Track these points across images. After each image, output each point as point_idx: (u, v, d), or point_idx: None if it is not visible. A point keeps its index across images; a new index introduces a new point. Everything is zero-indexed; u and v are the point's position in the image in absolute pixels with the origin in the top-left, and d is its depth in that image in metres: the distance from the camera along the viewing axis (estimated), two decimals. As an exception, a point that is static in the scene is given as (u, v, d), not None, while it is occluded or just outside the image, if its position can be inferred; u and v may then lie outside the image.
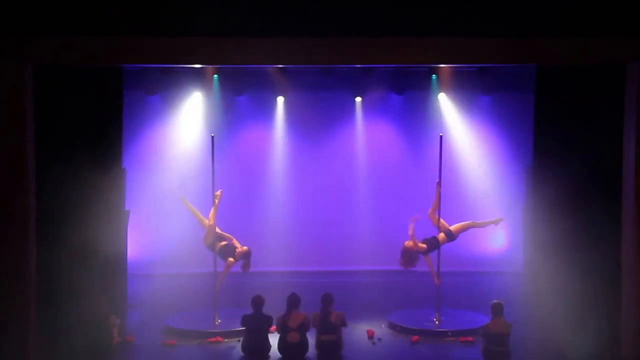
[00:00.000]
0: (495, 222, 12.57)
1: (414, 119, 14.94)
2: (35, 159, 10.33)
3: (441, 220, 12.19)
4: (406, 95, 14.61)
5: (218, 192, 12.09)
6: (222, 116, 14.72)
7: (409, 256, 12.09)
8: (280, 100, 14.78)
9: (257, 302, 10.61)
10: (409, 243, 12.09)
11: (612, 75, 10.98)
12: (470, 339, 11.38)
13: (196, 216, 12.29)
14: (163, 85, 13.96)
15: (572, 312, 11.48)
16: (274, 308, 10.85)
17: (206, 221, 12.13)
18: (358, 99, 14.75)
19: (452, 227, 12.31)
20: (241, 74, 13.74)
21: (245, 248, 12.06)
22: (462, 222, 12.45)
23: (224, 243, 12.08)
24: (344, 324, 10.65)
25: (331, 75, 13.42)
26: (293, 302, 10.55)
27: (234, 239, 12.18)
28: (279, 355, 10.55)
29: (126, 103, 12.10)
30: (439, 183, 12.10)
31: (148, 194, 14.46)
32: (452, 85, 14.01)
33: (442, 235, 12.22)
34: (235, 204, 14.33)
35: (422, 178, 14.48)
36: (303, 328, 10.48)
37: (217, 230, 12.12)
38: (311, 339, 10.62)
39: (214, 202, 12.03)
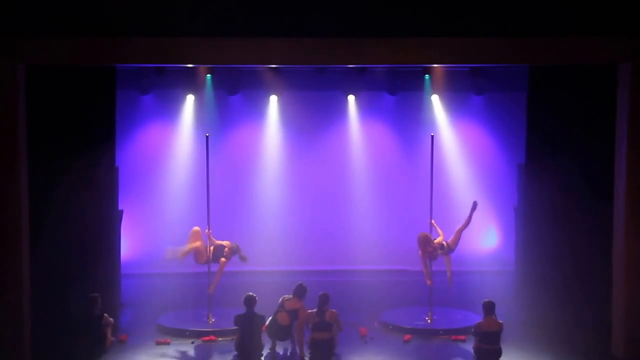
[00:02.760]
0: (474, 208, 12.33)
1: (407, 119, 14.94)
2: (28, 158, 10.34)
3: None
4: (399, 96, 14.63)
5: (207, 231, 11.88)
6: (216, 115, 14.71)
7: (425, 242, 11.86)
8: (273, 98, 14.79)
9: (249, 301, 10.63)
10: (427, 234, 11.91)
11: (604, 76, 11.03)
12: (462, 337, 11.42)
13: (189, 251, 11.94)
14: (157, 85, 13.95)
15: (563, 311, 11.54)
16: (267, 307, 10.87)
17: (196, 244, 11.85)
18: (351, 97, 14.76)
19: (450, 241, 12.16)
20: (234, 73, 13.75)
21: (230, 244, 11.95)
22: (453, 233, 12.17)
23: (211, 248, 11.98)
24: (338, 323, 10.68)
25: (324, 74, 13.43)
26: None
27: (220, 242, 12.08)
28: (273, 353, 10.56)
29: (120, 102, 12.10)
30: (475, 203, 11.93)
31: (141, 193, 14.45)
32: (445, 85, 14.02)
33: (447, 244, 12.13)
34: (229, 202, 14.32)
35: (415, 178, 14.49)
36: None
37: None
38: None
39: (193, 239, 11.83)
